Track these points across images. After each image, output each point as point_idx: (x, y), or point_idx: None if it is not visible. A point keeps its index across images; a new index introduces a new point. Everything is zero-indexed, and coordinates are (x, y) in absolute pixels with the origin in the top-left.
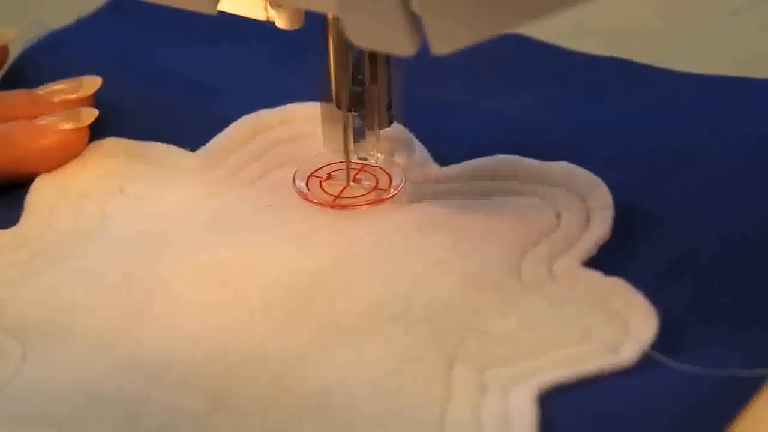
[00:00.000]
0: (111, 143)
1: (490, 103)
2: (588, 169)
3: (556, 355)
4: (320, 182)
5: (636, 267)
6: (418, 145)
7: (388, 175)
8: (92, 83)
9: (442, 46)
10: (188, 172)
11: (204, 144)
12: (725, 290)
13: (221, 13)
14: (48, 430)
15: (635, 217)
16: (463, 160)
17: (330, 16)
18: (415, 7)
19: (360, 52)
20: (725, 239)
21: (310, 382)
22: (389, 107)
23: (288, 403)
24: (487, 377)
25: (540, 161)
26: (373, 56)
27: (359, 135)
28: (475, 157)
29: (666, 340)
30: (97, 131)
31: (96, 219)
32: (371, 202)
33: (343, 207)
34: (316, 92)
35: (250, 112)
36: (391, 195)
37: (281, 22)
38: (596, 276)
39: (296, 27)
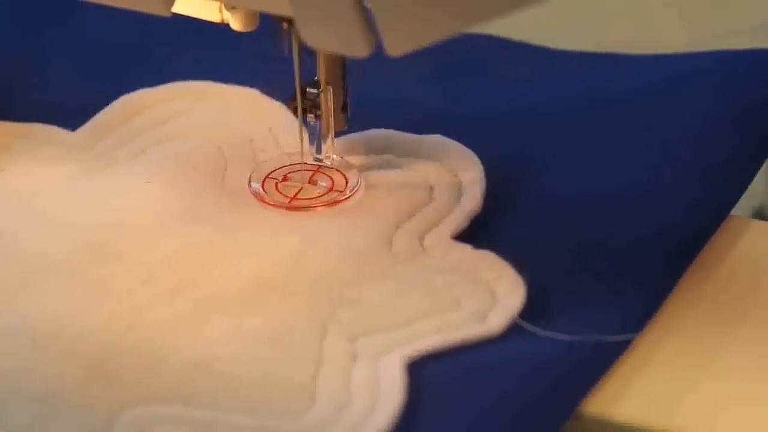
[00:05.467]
0: None
1: (365, 79)
2: (463, 143)
3: (426, 323)
4: (276, 184)
5: (507, 238)
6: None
7: (344, 176)
8: None
9: (396, 46)
10: (70, 150)
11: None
12: (596, 259)
13: None
14: None
15: (508, 189)
16: (337, 136)
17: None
18: (369, 7)
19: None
20: (598, 210)
21: (189, 351)
22: (344, 108)
23: (166, 371)
24: (359, 345)
25: (413, 135)
26: (328, 58)
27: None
28: (351, 132)
29: (535, 309)
30: None
31: None
32: (327, 204)
33: (299, 209)
34: (198, 72)
35: (131, 92)
36: (347, 196)
37: (236, 24)
38: (466, 249)
39: (251, 29)
